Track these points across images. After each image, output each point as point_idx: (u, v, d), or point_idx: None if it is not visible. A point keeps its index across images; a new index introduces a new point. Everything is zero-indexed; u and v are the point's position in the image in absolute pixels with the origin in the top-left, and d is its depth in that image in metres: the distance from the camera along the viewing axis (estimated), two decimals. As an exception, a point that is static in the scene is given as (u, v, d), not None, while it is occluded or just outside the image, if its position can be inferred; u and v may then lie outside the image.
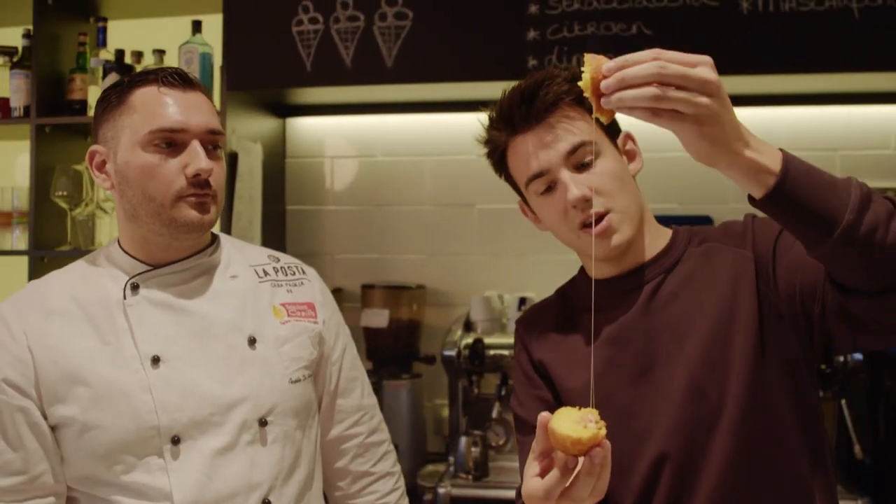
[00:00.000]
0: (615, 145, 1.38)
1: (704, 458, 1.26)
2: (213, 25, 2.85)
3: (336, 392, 1.64)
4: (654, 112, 1.00)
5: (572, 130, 1.31)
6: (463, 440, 2.58)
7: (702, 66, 1.00)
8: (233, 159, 2.77)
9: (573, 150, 1.31)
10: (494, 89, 2.92)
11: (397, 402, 2.86)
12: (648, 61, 0.99)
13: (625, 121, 1.46)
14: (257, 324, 1.51)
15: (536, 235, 3.00)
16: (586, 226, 1.30)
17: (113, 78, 2.82)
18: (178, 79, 1.43)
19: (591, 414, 1.07)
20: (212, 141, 1.45)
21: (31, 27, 2.91)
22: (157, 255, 1.47)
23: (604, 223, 1.30)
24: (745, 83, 2.68)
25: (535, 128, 1.33)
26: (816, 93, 2.86)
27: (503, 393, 2.60)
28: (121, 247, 1.49)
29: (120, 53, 2.88)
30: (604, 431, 1.06)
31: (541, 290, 2.99)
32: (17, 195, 2.98)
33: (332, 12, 2.68)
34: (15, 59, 2.95)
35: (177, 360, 1.42)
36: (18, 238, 2.97)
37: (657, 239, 1.39)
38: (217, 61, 2.84)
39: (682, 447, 1.27)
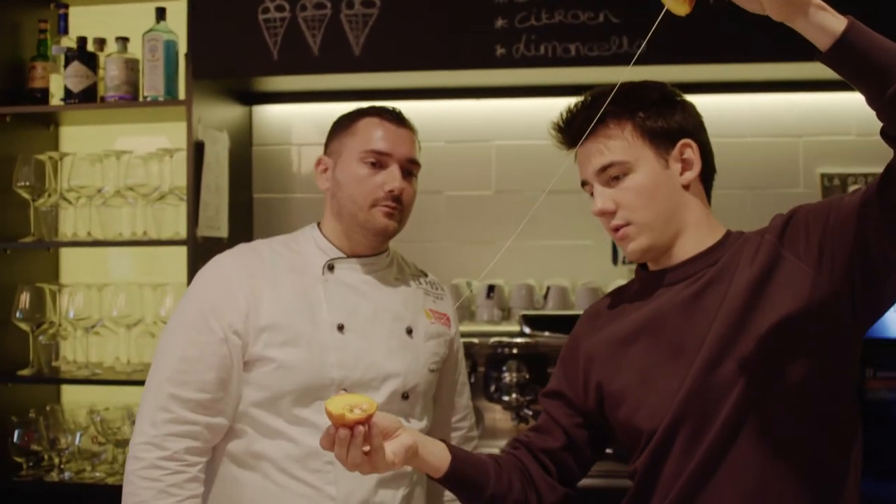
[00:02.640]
0: (663, 156, 1.47)
1: (711, 425, 1.36)
2: (177, 12, 2.82)
3: (454, 391, 1.99)
4: None
5: (605, 151, 1.48)
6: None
7: None
8: (199, 149, 2.75)
9: (603, 169, 1.48)
10: (463, 77, 2.92)
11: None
12: None
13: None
14: (414, 319, 1.86)
15: (504, 223, 3.02)
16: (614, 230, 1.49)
17: (76, 66, 2.79)
18: (395, 116, 1.85)
19: (364, 403, 1.32)
20: (409, 168, 1.83)
21: (-11, 14, 2.86)
22: (349, 247, 1.83)
23: (621, 233, 1.48)
24: (712, 71, 2.71)
25: (585, 143, 1.50)
26: (781, 80, 2.90)
27: (473, 380, 2.62)
28: (322, 234, 1.85)
29: (82, 41, 2.84)
30: (351, 417, 1.30)
31: (509, 277, 3.01)
32: (-23, 186, 2.94)
33: (298, 0, 2.66)
34: (-27, 47, 2.90)
35: (355, 331, 1.77)
36: (-20, 229, 2.93)
37: (704, 238, 1.48)
38: (182, 49, 2.81)
39: (694, 414, 1.38)
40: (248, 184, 3.16)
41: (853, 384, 1.41)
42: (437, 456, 1.47)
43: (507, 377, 2.58)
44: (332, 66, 2.67)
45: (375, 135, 1.81)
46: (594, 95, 1.49)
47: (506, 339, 2.60)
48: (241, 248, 1.88)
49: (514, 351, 2.61)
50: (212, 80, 2.80)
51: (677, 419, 1.39)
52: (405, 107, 3.04)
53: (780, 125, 2.96)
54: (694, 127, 1.51)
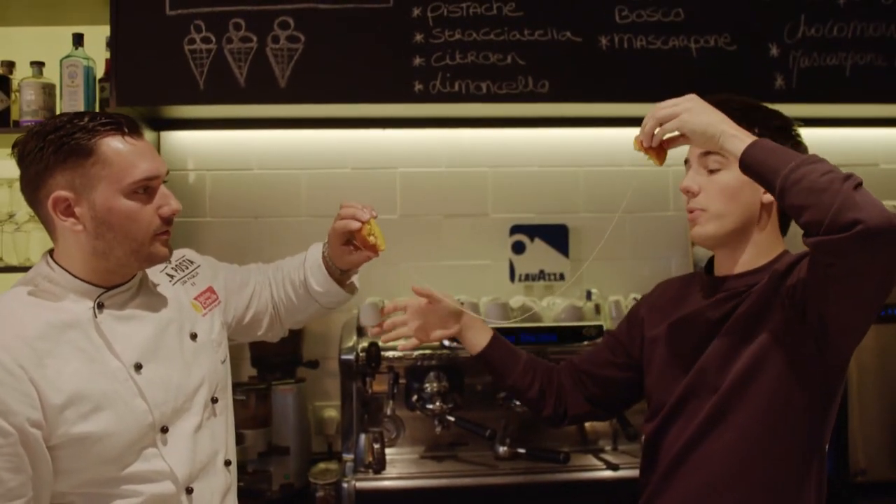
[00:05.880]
0: None
1: (700, 411, 1.68)
2: (93, 38, 2.85)
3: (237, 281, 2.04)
4: (662, 129, 1.60)
5: None
6: (363, 437, 2.76)
7: (675, 100, 1.59)
8: (122, 174, 2.77)
9: (705, 154, 1.72)
10: (379, 109, 3.09)
11: (285, 405, 2.98)
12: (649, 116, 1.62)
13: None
14: (191, 320, 1.80)
15: (409, 245, 3.22)
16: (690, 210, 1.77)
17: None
18: (134, 127, 1.63)
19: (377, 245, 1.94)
20: (165, 179, 1.69)
21: None
22: (109, 279, 1.66)
23: (694, 214, 1.74)
24: (601, 109, 3.05)
25: None
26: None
27: (395, 391, 2.80)
28: (69, 273, 1.63)
29: (-8, 64, 2.80)
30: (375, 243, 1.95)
31: (412, 294, 3.21)
32: None
33: (224, 33, 2.77)
34: None
35: (152, 363, 1.66)
36: None
37: (759, 258, 1.73)
38: (98, 75, 2.84)
39: (689, 401, 1.71)
40: (156, 208, 3.18)
41: (824, 403, 1.65)
42: (476, 341, 2.03)
43: (429, 387, 2.78)
44: (258, 98, 2.79)
45: (136, 159, 1.60)
46: (721, 99, 1.66)
47: (427, 352, 2.80)
48: None
49: (434, 362, 2.82)
50: (130, 108, 2.85)
51: (680, 400, 1.70)
52: (311, 135, 3.24)
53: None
54: None
